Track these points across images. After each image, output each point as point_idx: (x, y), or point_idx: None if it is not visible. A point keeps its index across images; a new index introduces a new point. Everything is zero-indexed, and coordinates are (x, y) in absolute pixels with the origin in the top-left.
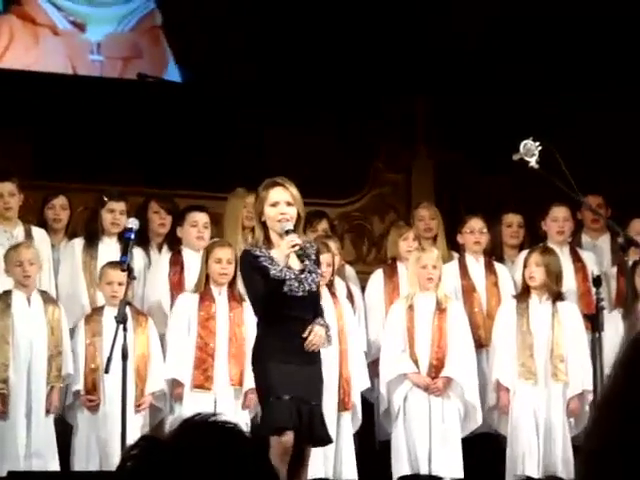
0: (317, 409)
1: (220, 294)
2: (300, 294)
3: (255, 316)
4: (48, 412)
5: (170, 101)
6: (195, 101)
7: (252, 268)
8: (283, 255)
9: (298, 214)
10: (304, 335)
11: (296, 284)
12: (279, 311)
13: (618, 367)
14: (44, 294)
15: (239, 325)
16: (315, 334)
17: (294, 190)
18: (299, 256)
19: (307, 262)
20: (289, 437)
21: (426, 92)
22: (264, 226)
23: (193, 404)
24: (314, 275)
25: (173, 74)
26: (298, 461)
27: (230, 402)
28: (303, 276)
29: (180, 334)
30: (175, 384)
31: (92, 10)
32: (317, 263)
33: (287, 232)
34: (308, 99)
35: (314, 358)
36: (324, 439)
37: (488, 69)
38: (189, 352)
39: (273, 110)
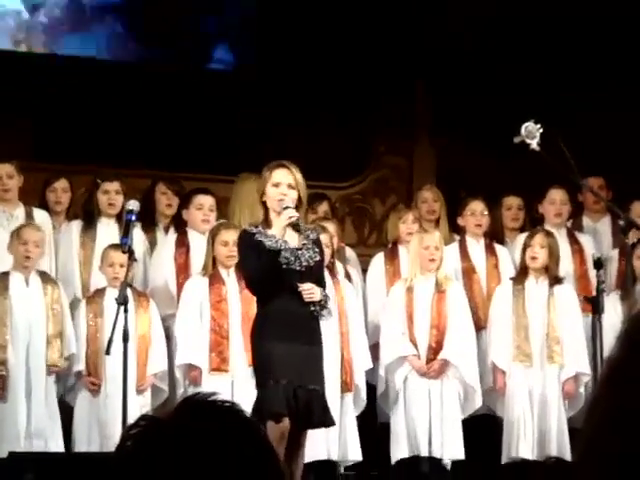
0: (316, 393)
1: (229, 275)
2: (297, 269)
3: (252, 294)
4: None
5: (175, 84)
6: (199, 85)
7: (247, 247)
8: (280, 229)
9: (300, 199)
10: (299, 289)
11: (292, 258)
12: (276, 285)
13: (620, 343)
14: (43, 274)
15: (250, 305)
16: (311, 287)
17: (298, 175)
18: (295, 227)
19: (305, 241)
20: (285, 423)
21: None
22: (264, 206)
23: (210, 387)
24: (312, 252)
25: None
26: (294, 445)
27: (247, 383)
28: (300, 252)
29: (192, 318)
30: (190, 368)
31: None
32: (319, 247)
33: (285, 208)
34: (311, 90)
35: (315, 338)
36: (324, 422)
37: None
38: (203, 336)
39: (275, 96)
